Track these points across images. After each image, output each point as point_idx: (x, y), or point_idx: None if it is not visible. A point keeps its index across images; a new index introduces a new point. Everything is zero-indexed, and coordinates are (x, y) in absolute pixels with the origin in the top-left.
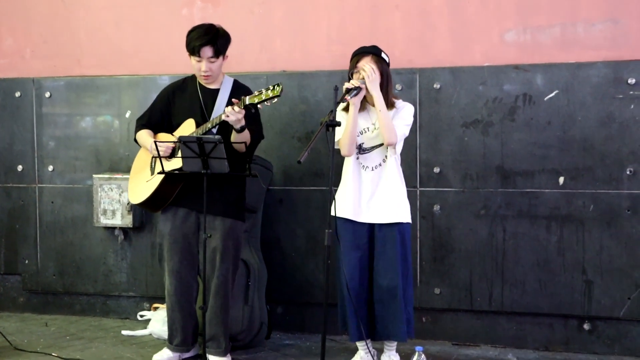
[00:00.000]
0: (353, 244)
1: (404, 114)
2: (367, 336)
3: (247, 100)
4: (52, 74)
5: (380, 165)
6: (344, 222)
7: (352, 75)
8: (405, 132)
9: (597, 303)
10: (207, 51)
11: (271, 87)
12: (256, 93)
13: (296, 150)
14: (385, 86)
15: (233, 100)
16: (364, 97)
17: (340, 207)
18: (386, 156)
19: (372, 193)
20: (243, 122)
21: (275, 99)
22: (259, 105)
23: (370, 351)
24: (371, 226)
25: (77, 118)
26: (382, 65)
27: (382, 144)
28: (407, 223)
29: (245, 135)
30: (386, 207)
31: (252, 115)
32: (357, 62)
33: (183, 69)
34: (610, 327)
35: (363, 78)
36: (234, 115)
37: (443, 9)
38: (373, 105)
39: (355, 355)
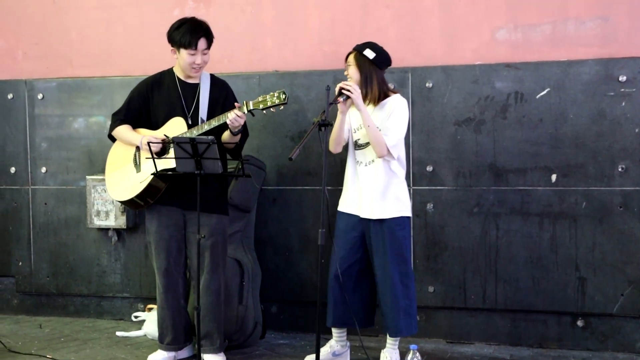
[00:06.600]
0: (346, 236)
1: (396, 118)
2: (344, 325)
3: (251, 105)
4: (44, 75)
5: (373, 161)
6: (341, 215)
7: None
8: (400, 137)
9: (590, 299)
10: (203, 43)
11: (275, 94)
12: (260, 99)
13: (289, 150)
14: (366, 84)
15: (235, 104)
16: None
17: (341, 201)
18: None
19: (366, 189)
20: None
21: (281, 107)
22: (264, 112)
23: (339, 340)
24: (367, 221)
25: (70, 119)
26: (362, 62)
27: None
28: (398, 217)
29: (238, 137)
30: (375, 203)
31: None
32: (347, 57)
33: None
34: (603, 324)
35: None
36: (238, 121)
37: (434, 8)
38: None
39: (326, 344)
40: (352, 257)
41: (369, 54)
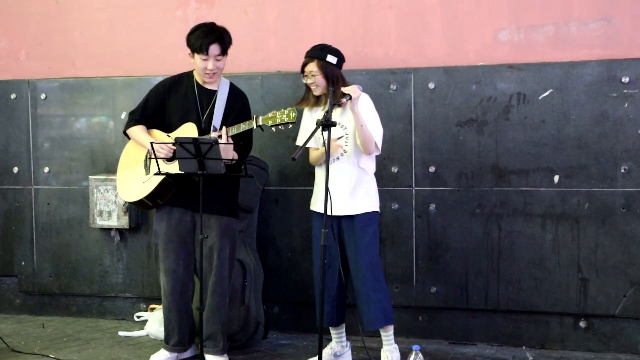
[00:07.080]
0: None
1: (370, 114)
2: (334, 324)
3: (261, 120)
4: (47, 75)
5: (338, 158)
6: (315, 214)
7: (304, 78)
8: (381, 130)
9: (592, 301)
10: (215, 49)
11: (286, 112)
12: (270, 115)
13: (292, 150)
14: (333, 88)
15: (215, 133)
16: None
17: (313, 200)
18: (345, 150)
19: (334, 186)
20: (231, 156)
21: (290, 125)
22: (272, 129)
23: (339, 341)
24: (338, 218)
25: (72, 119)
26: (327, 69)
27: (339, 137)
28: (368, 213)
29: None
30: (345, 200)
31: (247, 131)
32: (304, 66)
33: (177, 69)
34: (605, 325)
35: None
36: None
37: (437, 9)
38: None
39: (327, 346)
40: (332, 254)
41: (332, 59)
